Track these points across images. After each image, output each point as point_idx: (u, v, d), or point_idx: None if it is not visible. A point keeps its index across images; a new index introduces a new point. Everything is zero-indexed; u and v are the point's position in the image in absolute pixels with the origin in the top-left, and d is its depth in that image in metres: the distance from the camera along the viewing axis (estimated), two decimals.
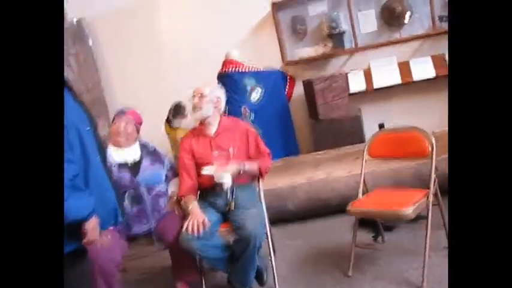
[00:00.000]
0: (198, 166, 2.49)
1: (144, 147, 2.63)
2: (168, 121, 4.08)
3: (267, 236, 2.47)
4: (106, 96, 4.53)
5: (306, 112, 4.23)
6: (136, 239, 2.50)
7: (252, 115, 3.99)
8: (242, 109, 3.99)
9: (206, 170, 2.38)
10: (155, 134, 3.95)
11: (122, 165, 2.49)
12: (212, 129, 2.55)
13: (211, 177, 2.38)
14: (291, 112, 4.29)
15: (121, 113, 2.61)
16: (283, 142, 4.11)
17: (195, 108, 2.51)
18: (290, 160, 3.75)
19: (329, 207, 3.18)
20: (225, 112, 3.97)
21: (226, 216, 2.43)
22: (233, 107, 4.02)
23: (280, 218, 3.28)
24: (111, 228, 1.90)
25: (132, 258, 2.76)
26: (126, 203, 2.44)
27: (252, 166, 2.51)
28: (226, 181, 2.36)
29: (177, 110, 4.04)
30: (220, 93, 2.58)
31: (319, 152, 3.77)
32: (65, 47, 3.89)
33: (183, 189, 2.49)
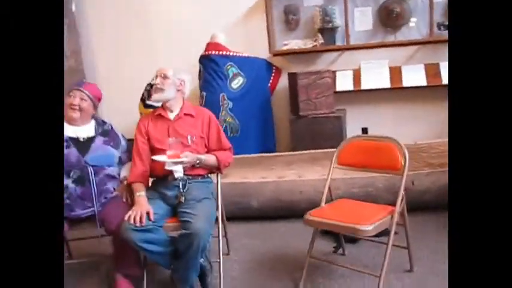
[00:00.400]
0: (154, 151, 2.33)
1: (99, 125, 2.45)
2: (143, 100, 3.86)
3: (219, 235, 2.28)
4: (85, 67, 4.28)
5: (289, 108, 4.01)
6: (79, 222, 2.33)
7: (230, 104, 3.78)
8: (220, 96, 3.77)
9: (158, 157, 2.21)
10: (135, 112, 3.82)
11: (72, 140, 2.31)
12: (172, 114, 2.38)
13: (164, 165, 2.20)
14: (273, 106, 4.07)
15: (79, 85, 2.43)
16: (260, 136, 3.91)
17: (156, 89, 2.34)
18: (263, 156, 3.55)
19: (295, 210, 2.99)
20: (201, 98, 3.84)
21: (175, 209, 2.25)
22: (211, 94, 3.83)
23: (242, 215, 3.11)
24: None
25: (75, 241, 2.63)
26: (69, 182, 2.25)
27: (209, 158, 2.35)
28: (178, 171, 2.19)
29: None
30: (185, 77, 2.41)
31: (295, 152, 3.55)
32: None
33: (132, 175, 2.32)
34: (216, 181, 2.44)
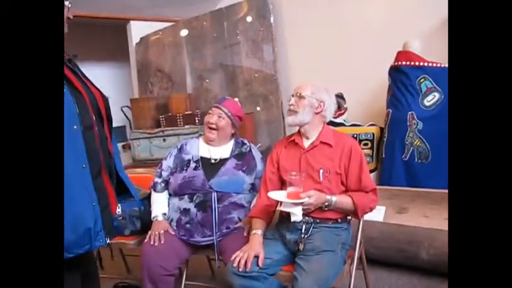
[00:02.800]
0: (284, 184, 1.95)
1: (238, 146, 2.25)
2: None
3: None
4: (279, 76, 4.17)
5: None
6: (199, 249, 2.16)
7: (420, 124, 3.05)
8: (408, 115, 3.08)
9: (274, 194, 1.85)
10: None
11: (204, 161, 2.17)
12: (308, 142, 1.99)
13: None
14: None
15: (219, 103, 2.26)
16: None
17: (289, 110, 1.98)
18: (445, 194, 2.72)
19: None
20: (386, 116, 3.23)
21: (295, 256, 1.85)
22: (398, 111, 3.19)
23: (407, 264, 2.44)
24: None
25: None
26: (192, 206, 2.10)
27: (343, 201, 1.87)
28: (296, 214, 1.79)
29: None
30: (326, 98, 1.97)
31: None
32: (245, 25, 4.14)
33: (254, 209, 2.03)
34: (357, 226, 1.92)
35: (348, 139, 1.96)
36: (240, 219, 2.11)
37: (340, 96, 3.46)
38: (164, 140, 3.96)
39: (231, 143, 2.26)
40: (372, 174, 3.27)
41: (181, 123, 4.04)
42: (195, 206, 2.08)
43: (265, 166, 2.11)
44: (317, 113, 1.95)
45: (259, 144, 4.00)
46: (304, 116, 1.94)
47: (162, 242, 2.04)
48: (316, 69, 3.98)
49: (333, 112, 2.01)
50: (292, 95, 1.98)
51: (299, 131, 2.02)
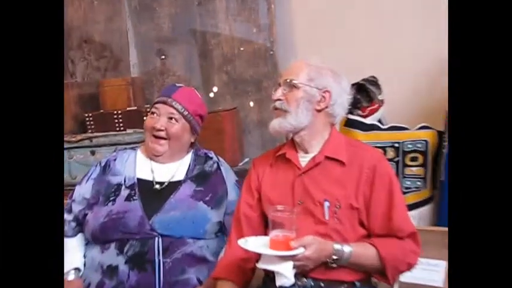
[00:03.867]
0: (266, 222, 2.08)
1: (198, 161, 2.37)
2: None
3: None
4: (278, 47, 4.21)
5: None
6: None
7: None
8: None
9: (250, 243, 1.90)
10: None
11: (142, 186, 2.26)
12: (305, 157, 2.08)
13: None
14: None
15: (167, 94, 2.36)
16: None
17: (275, 109, 2.09)
18: None
19: None
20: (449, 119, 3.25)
21: None
22: None
23: None
24: None
25: None
26: (121, 262, 2.15)
27: (364, 252, 1.93)
28: (283, 275, 1.83)
29: (358, 96, 3.40)
30: (333, 84, 2.05)
31: None
32: None
33: (220, 265, 2.12)
34: None
35: (370, 152, 2.07)
36: (200, 282, 2.18)
37: (372, 82, 3.48)
38: (93, 153, 3.98)
39: (188, 157, 2.36)
40: (424, 208, 3.27)
41: (121, 125, 4.07)
42: (126, 262, 2.14)
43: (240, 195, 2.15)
44: (319, 111, 2.03)
45: (247, 159, 4.01)
46: (299, 116, 2.01)
47: None
48: (334, 40, 4.05)
49: (346, 106, 2.10)
50: (279, 84, 2.07)
51: (292, 141, 2.11)
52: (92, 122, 4.19)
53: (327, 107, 2.00)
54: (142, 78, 4.61)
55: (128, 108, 4.19)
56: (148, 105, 4.23)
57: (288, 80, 1.99)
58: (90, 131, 4.17)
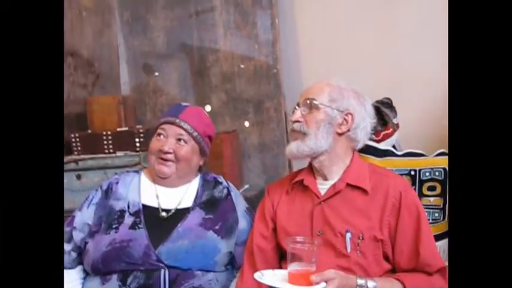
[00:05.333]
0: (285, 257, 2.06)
1: (207, 186, 2.39)
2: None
3: None
4: (282, 65, 4.25)
5: None
6: None
7: None
8: None
9: (266, 276, 1.91)
10: None
11: (147, 213, 2.28)
12: (325, 185, 2.11)
13: None
14: None
15: (174, 114, 2.37)
16: None
17: (293, 132, 2.13)
18: None
19: None
20: None
21: None
22: None
23: None
24: None
25: None
26: None
27: (389, 287, 1.96)
28: None
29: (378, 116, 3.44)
30: (357, 106, 2.11)
31: None
32: None
33: None
34: None
35: (395, 180, 2.07)
36: None
37: (387, 105, 3.52)
38: (79, 177, 3.99)
39: (196, 181, 2.38)
40: (443, 242, 3.30)
41: (111, 147, 4.08)
42: None
43: (252, 225, 2.17)
44: (341, 134, 2.07)
45: (246, 186, 4.04)
46: (319, 140, 2.04)
47: None
48: (345, 59, 4.08)
49: (369, 131, 2.14)
50: (298, 105, 2.10)
51: (310, 166, 2.12)
52: (78, 144, 4.19)
53: (348, 131, 2.03)
54: (134, 96, 4.65)
55: (118, 129, 4.17)
56: (140, 126, 4.26)
57: (308, 101, 2.01)
58: (76, 153, 4.16)
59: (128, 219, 2.20)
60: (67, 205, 3.71)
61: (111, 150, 4.08)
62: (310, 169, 2.10)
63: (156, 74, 4.57)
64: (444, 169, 3.40)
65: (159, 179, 2.31)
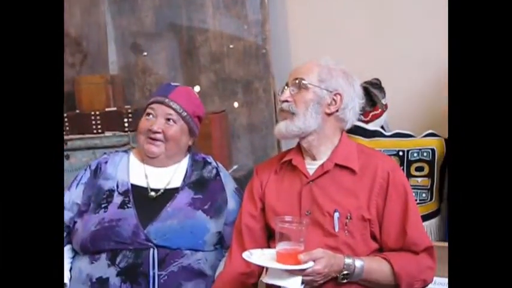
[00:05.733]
0: (272, 234, 2.12)
1: (196, 166, 2.41)
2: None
3: None
4: (271, 45, 4.24)
5: None
6: None
7: None
8: None
9: (254, 255, 1.93)
10: None
11: (136, 192, 2.30)
12: (314, 165, 2.12)
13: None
14: None
15: (163, 94, 2.38)
16: None
17: (282, 111, 2.14)
18: None
19: None
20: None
21: None
22: None
23: None
24: None
25: None
26: (113, 274, 2.17)
27: (376, 266, 1.99)
28: None
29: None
30: (345, 86, 2.11)
31: None
32: None
33: (220, 280, 2.17)
34: None
35: (383, 160, 2.10)
36: None
37: (375, 85, 3.54)
38: (67, 158, 3.99)
39: (185, 161, 2.39)
40: (430, 222, 3.33)
41: (99, 127, 4.07)
42: (118, 274, 2.15)
43: (241, 205, 2.18)
44: (329, 114, 2.08)
45: (235, 167, 4.06)
46: (308, 120, 2.05)
47: None
48: (335, 40, 4.09)
49: (358, 111, 2.15)
50: (286, 84, 2.12)
51: (299, 146, 2.15)
52: (66, 124, 4.20)
53: (337, 111, 2.05)
54: (122, 76, 4.64)
55: (106, 109, 4.18)
56: (129, 106, 4.26)
57: (297, 80, 2.03)
58: (64, 133, 4.19)
59: (117, 199, 2.22)
60: None
61: (99, 131, 4.08)
62: (299, 149, 2.12)
63: (145, 53, 4.56)
64: (432, 150, 3.43)
65: (148, 158, 2.32)
